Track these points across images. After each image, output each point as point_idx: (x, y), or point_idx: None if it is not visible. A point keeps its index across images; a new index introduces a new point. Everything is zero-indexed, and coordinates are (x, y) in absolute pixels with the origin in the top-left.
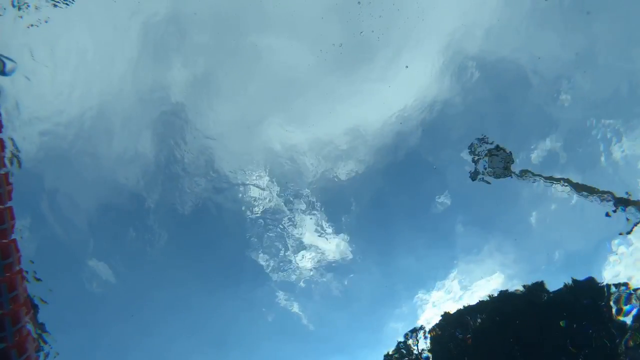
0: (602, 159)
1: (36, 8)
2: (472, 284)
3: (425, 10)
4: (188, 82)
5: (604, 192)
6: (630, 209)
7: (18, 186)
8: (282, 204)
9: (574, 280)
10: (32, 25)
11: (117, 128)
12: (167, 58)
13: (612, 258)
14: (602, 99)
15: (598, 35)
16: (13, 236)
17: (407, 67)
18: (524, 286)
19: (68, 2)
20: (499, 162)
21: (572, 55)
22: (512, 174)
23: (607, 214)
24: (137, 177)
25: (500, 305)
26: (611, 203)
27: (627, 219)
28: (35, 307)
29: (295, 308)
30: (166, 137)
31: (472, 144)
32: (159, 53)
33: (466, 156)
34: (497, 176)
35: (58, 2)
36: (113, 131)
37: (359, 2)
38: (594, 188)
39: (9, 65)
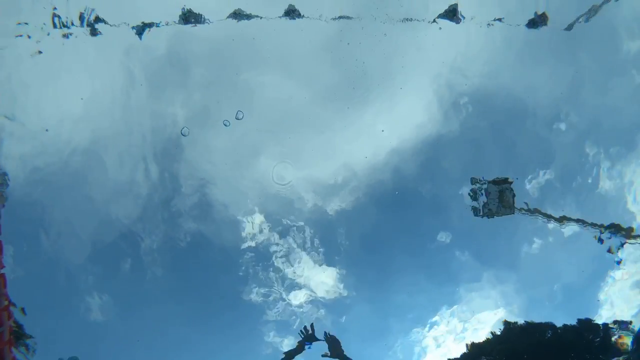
0: (598, 188)
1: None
2: (472, 320)
3: (416, 46)
4: (183, 117)
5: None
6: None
7: (9, 219)
8: (275, 239)
9: (580, 321)
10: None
11: (112, 161)
12: (163, 93)
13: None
14: (595, 128)
15: (584, 67)
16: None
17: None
18: (527, 322)
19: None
20: (498, 199)
21: (565, 88)
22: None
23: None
24: (130, 211)
25: (505, 347)
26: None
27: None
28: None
29: (287, 347)
30: (160, 171)
31: (473, 179)
32: (155, 88)
33: (463, 191)
34: (499, 214)
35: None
36: (108, 164)
37: (348, 43)
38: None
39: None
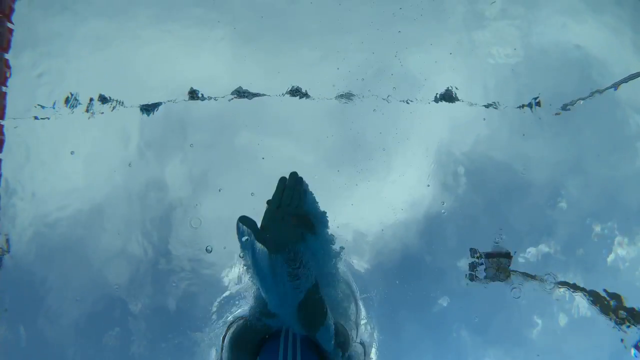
0: (605, 262)
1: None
2: None
3: (413, 121)
4: (182, 181)
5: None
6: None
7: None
8: None
9: None
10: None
11: (106, 228)
12: (163, 157)
13: None
14: (596, 203)
15: (584, 143)
16: None
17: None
18: None
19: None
20: (495, 266)
21: (564, 161)
22: (512, 275)
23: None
24: (123, 277)
25: None
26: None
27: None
28: None
29: None
30: (157, 237)
31: (472, 250)
32: (154, 152)
33: (464, 262)
34: (499, 279)
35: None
36: (101, 230)
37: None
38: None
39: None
